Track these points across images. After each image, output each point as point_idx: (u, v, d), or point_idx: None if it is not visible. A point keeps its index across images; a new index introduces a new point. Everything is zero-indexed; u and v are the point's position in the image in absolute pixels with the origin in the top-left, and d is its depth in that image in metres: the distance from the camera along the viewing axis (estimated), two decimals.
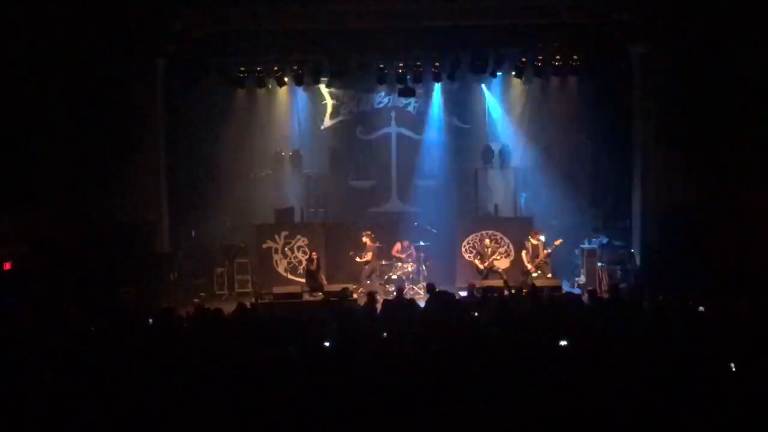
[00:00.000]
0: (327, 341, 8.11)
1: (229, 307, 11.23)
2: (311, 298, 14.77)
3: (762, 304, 9.20)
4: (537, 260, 15.36)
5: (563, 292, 14.49)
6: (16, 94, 13.27)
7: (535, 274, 15.25)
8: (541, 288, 13.00)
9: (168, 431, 6.02)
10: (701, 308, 9.64)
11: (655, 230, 15.50)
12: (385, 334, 8.33)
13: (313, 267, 15.57)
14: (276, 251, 16.28)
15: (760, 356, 6.82)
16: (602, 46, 16.01)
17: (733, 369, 6.44)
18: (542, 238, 15.55)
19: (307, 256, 15.99)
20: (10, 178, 13.32)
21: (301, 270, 16.36)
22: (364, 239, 16.02)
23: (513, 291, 12.91)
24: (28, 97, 13.54)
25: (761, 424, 5.59)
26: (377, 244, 16.07)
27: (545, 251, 15.38)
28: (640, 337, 7.87)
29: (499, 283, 14.93)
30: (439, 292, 11.64)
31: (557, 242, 15.42)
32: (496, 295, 11.99)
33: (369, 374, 6.58)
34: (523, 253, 15.63)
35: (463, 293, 13.96)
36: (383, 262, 16.39)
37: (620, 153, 16.47)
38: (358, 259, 16.04)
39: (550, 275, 15.39)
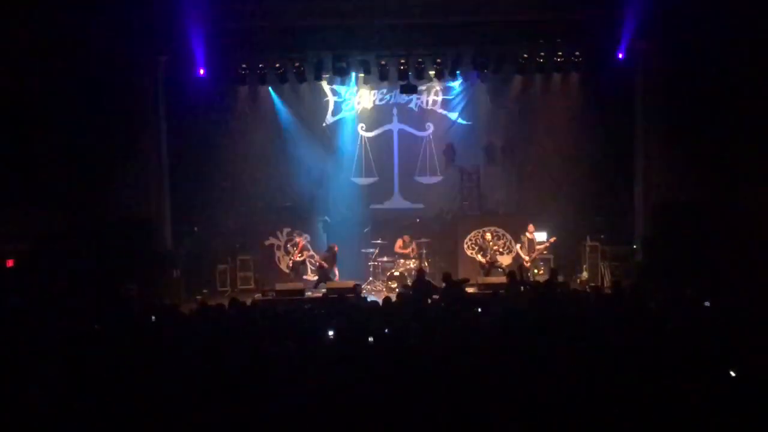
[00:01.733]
0: (328, 337, 8.12)
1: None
2: (313, 295, 14.77)
3: (764, 300, 9.21)
4: (533, 254, 15.49)
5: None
6: (19, 91, 13.29)
7: (535, 271, 15.32)
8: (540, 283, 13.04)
9: (170, 428, 6.02)
10: (707, 303, 9.63)
11: (657, 226, 15.52)
12: (386, 330, 8.32)
13: (326, 266, 15.61)
14: (278, 248, 16.28)
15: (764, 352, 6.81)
16: (604, 42, 15.99)
17: (732, 374, 6.42)
18: (536, 235, 15.68)
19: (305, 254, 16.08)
20: (12, 175, 13.34)
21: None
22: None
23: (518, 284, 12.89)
24: (30, 94, 13.55)
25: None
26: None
27: (538, 247, 15.49)
28: (645, 333, 7.86)
29: (501, 279, 14.95)
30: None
31: (552, 239, 15.54)
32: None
33: (370, 370, 6.57)
34: (518, 246, 15.73)
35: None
36: (385, 259, 16.42)
37: (622, 149, 16.46)
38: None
39: (541, 272, 15.47)
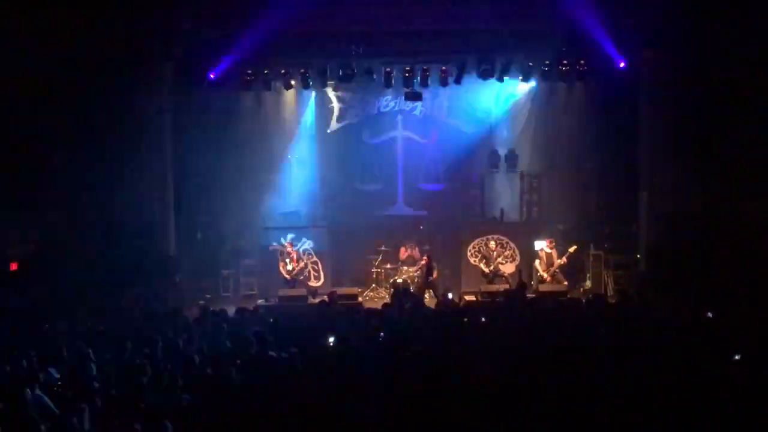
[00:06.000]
0: (330, 343, 8.14)
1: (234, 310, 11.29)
2: (315, 301, 14.76)
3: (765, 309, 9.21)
4: (551, 269, 15.28)
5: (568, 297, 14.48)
6: (23, 95, 13.34)
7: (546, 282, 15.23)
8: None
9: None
10: (709, 314, 9.61)
11: (661, 235, 15.49)
12: (381, 334, 8.35)
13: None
14: (281, 254, 16.26)
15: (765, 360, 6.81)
16: (609, 51, 15.99)
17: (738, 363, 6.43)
18: (537, 243, 15.60)
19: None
20: (17, 179, 13.38)
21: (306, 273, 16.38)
22: (288, 248, 15.98)
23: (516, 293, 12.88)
24: (35, 99, 13.60)
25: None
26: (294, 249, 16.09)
27: (559, 260, 15.30)
28: (648, 341, 7.87)
29: (503, 286, 14.94)
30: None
31: (571, 249, 15.33)
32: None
33: (371, 376, 6.59)
34: (536, 261, 15.56)
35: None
36: (388, 266, 16.41)
37: (626, 158, 16.46)
38: (282, 267, 15.91)
39: (564, 282, 15.33)
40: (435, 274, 15.30)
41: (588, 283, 16.25)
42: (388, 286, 16.05)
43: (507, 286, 14.72)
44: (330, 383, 6.48)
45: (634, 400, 5.93)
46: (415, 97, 16.69)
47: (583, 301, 12.11)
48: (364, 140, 17.87)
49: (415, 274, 15.94)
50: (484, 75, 16.65)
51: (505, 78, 16.90)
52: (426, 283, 15.25)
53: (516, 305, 11.47)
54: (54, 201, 14.12)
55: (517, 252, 16.29)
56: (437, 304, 13.00)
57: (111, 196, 15.11)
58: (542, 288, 15.03)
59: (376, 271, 16.50)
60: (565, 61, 16.34)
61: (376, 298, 15.95)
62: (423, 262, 15.48)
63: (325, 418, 5.87)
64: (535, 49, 16.33)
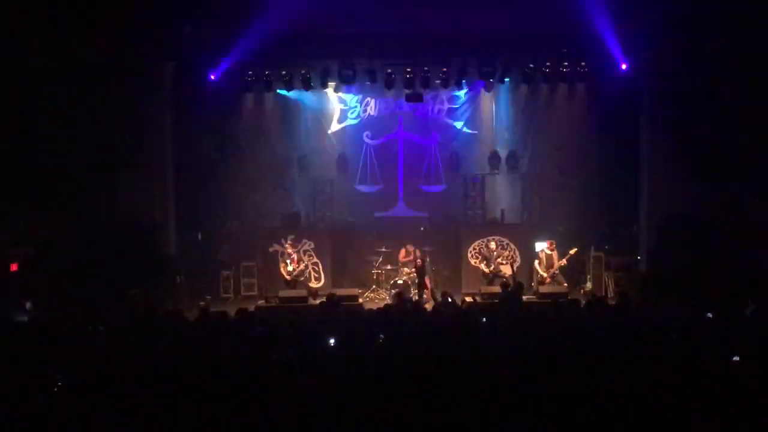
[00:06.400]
0: (329, 344, 8.13)
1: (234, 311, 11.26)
2: (316, 303, 14.76)
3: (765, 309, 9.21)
4: (551, 270, 15.27)
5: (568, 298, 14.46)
6: (23, 95, 13.35)
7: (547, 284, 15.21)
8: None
9: None
10: (709, 315, 9.61)
11: (661, 237, 15.49)
12: (381, 336, 8.34)
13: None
14: (282, 255, 16.26)
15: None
16: (610, 53, 15.99)
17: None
18: (537, 245, 15.57)
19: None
20: (16, 179, 13.38)
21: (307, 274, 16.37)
22: (289, 249, 15.95)
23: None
24: (35, 98, 13.61)
25: None
26: (295, 249, 16.02)
27: (559, 262, 15.28)
28: (649, 343, 7.86)
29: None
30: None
31: (572, 251, 15.33)
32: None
33: (370, 378, 6.58)
34: (536, 263, 15.56)
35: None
36: (389, 267, 16.40)
37: (627, 159, 16.46)
38: (283, 267, 15.87)
39: (564, 284, 15.31)
40: (426, 280, 15.27)
41: (588, 285, 16.26)
42: (388, 287, 16.04)
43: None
44: (330, 384, 6.47)
45: (634, 402, 5.92)
46: (416, 98, 16.71)
47: (583, 302, 12.09)
48: (365, 141, 17.87)
49: (414, 275, 15.93)
50: (485, 76, 16.67)
51: (506, 79, 16.93)
52: (420, 285, 15.24)
53: (515, 305, 11.46)
54: (54, 201, 14.11)
55: (517, 253, 16.29)
56: (436, 305, 12.98)
57: (111, 197, 15.11)
58: (542, 289, 15.03)
59: (377, 273, 16.49)
60: (566, 63, 16.35)
61: (376, 299, 15.96)
62: (417, 264, 15.47)
63: (325, 419, 5.86)
64: (536, 50, 16.35)
